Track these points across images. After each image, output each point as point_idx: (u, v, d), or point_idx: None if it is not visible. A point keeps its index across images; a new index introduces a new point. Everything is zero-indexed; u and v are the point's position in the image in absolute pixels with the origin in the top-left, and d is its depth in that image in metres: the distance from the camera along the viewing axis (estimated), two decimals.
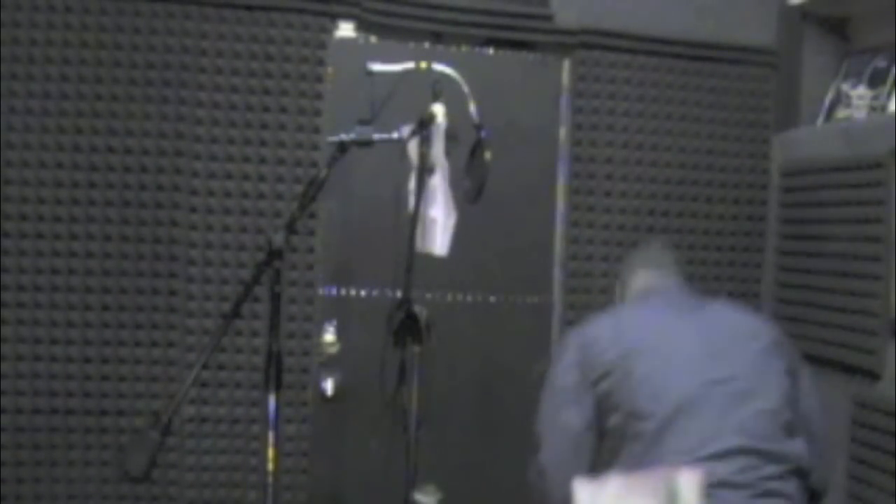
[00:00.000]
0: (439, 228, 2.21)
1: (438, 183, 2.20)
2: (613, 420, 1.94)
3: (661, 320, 2.07)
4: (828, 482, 2.07)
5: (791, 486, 1.87)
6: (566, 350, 2.09)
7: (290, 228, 2.06)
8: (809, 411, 2.05)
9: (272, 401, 1.99)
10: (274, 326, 2.01)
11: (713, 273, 3.19)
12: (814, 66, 3.18)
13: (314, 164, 2.85)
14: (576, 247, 3.11)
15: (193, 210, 2.78)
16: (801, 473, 1.90)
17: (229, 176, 2.81)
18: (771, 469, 1.84)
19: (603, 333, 2.04)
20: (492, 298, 3.10)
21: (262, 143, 2.83)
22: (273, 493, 2.00)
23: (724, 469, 1.81)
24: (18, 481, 2.67)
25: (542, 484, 2.01)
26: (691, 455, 1.81)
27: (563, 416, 2.02)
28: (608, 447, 1.96)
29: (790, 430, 1.92)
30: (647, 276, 2.26)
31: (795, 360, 2.10)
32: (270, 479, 2.00)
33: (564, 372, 2.05)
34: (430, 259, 2.23)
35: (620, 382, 1.94)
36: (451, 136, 2.21)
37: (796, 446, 1.91)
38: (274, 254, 2.00)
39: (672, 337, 2.01)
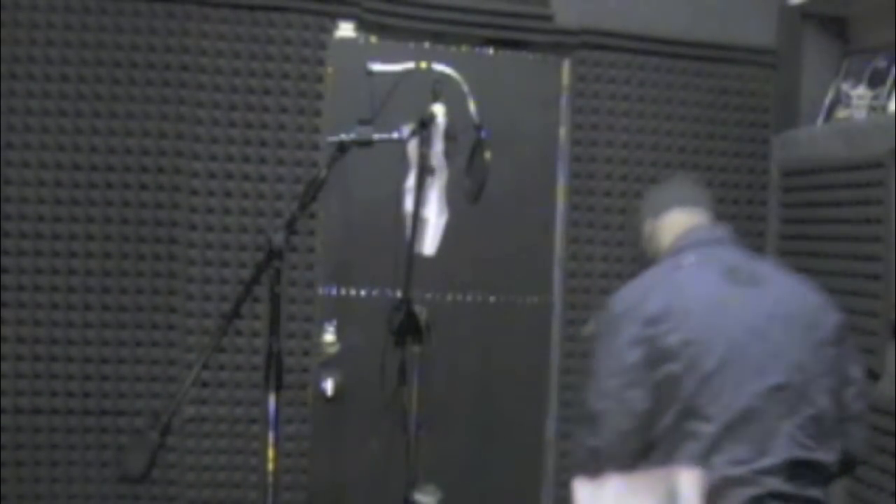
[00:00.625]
0: (429, 228, 2.21)
1: (432, 182, 2.20)
2: (670, 412, 1.83)
3: (722, 298, 1.89)
4: (867, 451, 2.11)
5: (824, 492, 1.88)
6: (623, 322, 1.88)
7: (290, 228, 2.06)
8: (856, 394, 2.01)
9: (272, 401, 1.99)
10: (274, 326, 2.01)
11: None
12: (814, 66, 3.18)
13: (314, 164, 2.85)
14: (576, 247, 3.11)
15: (193, 210, 2.79)
16: (830, 478, 1.92)
17: (229, 176, 2.81)
18: (812, 477, 1.85)
19: (664, 310, 1.85)
20: (492, 298, 3.10)
21: (262, 143, 2.83)
22: (273, 493, 2.00)
23: (775, 481, 1.80)
24: (18, 481, 2.67)
25: (593, 465, 1.85)
26: (747, 466, 1.79)
27: (628, 396, 1.84)
28: (662, 440, 1.84)
29: (832, 434, 1.91)
30: (687, 219, 2.09)
31: (847, 340, 2.00)
32: (270, 479, 2.00)
33: (628, 348, 1.85)
34: (431, 259, 2.23)
35: (683, 374, 1.82)
36: (451, 136, 2.21)
37: (832, 452, 1.90)
38: (274, 254, 2.00)
39: (736, 326, 1.86)
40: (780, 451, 1.81)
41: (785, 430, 1.82)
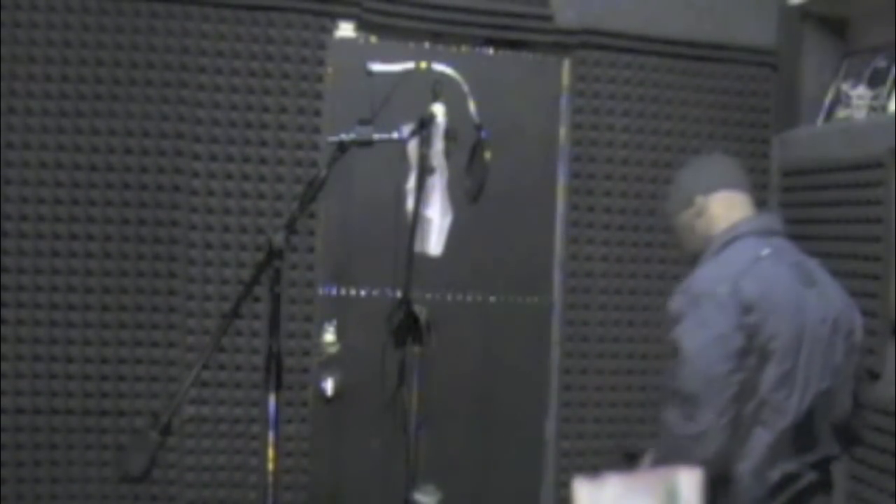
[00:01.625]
0: (434, 228, 2.21)
1: (435, 183, 2.20)
2: (750, 403, 1.88)
3: (798, 298, 1.94)
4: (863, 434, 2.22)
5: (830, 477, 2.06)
6: (724, 306, 1.86)
7: (290, 228, 2.05)
8: (863, 389, 2.16)
9: (272, 401, 1.99)
10: (274, 326, 2.00)
11: None
12: (814, 66, 3.18)
13: (314, 164, 2.85)
14: (576, 247, 3.11)
15: (193, 210, 2.79)
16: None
17: (229, 176, 2.81)
18: (829, 468, 2.04)
19: (758, 299, 1.87)
20: (492, 298, 3.10)
21: (262, 143, 2.83)
22: (273, 493, 2.00)
23: (813, 475, 1.96)
24: (18, 481, 2.67)
25: (696, 446, 1.82)
26: (800, 462, 1.93)
27: (733, 381, 1.84)
28: (737, 430, 1.89)
29: (846, 430, 2.07)
30: (738, 200, 2.10)
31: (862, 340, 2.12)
32: (270, 479, 1.99)
33: (732, 333, 1.84)
34: (431, 259, 2.22)
35: (765, 368, 1.87)
36: (451, 136, 2.20)
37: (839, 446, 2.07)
38: (274, 254, 1.99)
39: (807, 328, 1.93)
40: (822, 449, 1.96)
41: (825, 430, 1.96)
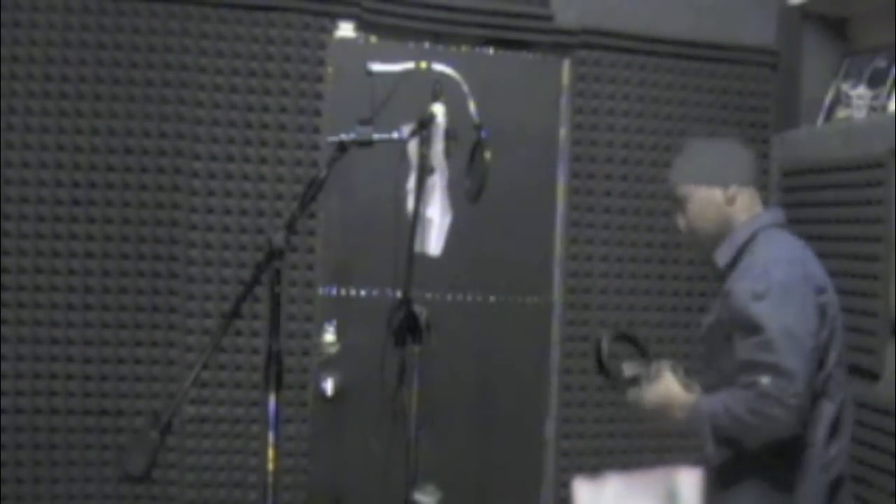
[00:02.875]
0: (434, 229, 2.21)
1: (435, 183, 2.20)
2: (822, 373, 1.98)
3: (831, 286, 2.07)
4: None
5: None
6: (806, 287, 1.96)
7: (290, 228, 2.05)
8: None
9: (272, 401, 1.99)
10: (274, 326, 2.00)
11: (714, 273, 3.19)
12: (814, 66, 3.18)
13: (314, 164, 2.85)
14: (576, 247, 3.11)
15: (193, 210, 2.79)
16: None
17: (229, 176, 2.81)
18: None
19: (825, 283, 2.02)
20: (492, 298, 3.10)
21: (262, 143, 2.83)
22: (273, 493, 2.00)
23: (845, 459, 2.11)
24: (18, 481, 2.67)
25: (790, 416, 1.87)
26: (841, 446, 2.05)
27: (815, 356, 1.94)
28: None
29: None
30: (757, 196, 2.17)
31: None
32: (270, 479, 1.99)
33: (813, 312, 1.95)
34: (431, 259, 2.22)
35: (831, 344, 2.00)
36: (451, 136, 2.21)
37: None
38: (274, 254, 1.99)
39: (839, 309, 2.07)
40: (846, 432, 2.06)
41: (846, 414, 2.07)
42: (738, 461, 1.99)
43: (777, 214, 2.17)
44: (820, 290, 1.98)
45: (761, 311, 1.89)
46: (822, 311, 1.97)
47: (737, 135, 3.13)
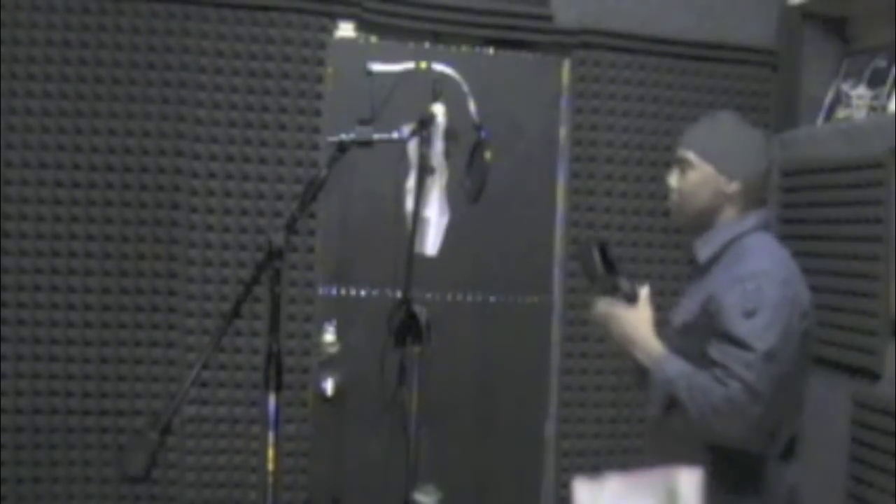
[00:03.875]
0: (431, 228, 2.21)
1: (434, 183, 2.20)
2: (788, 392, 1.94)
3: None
4: None
5: None
6: (788, 309, 1.88)
7: (290, 228, 2.05)
8: None
9: (272, 401, 1.99)
10: (274, 326, 2.01)
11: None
12: (814, 66, 3.18)
13: (314, 164, 2.85)
14: (576, 247, 3.11)
15: (193, 210, 2.79)
16: None
17: (229, 176, 2.81)
18: None
19: (808, 305, 1.94)
20: (492, 298, 3.10)
21: (262, 143, 2.83)
22: (273, 493, 2.00)
23: None
24: (18, 481, 2.67)
25: (749, 431, 1.85)
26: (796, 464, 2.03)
27: (787, 381, 1.88)
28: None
29: None
30: (752, 198, 2.06)
31: None
32: (270, 479, 1.99)
33: (795, 336, 1.89)
34: (431, 259, 2.22)
35: (799, 375, 1.98)
36: (451, 136, 2.21)
37: None
38: (274, 254, 1.99)
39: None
40: (800, 449, 2.04)
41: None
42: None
43: (766, 216, 2.07)
44: (804, 315, 1.92)
45: (748, 330, 1.83)
46: (804, 338, 1.92)
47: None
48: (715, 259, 2.03)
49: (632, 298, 2.04)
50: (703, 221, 2.06)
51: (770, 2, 3.21)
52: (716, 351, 1.86)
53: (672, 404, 1.90)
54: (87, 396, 2.72)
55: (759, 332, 1.83)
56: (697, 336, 1.94)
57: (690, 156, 2.05)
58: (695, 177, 2.04)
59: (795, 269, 1.97)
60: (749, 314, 1.84)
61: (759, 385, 1.80)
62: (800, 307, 1.91)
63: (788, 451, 1.98)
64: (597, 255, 2.06)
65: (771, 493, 1.95)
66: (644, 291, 2.06)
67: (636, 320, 2.02)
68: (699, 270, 2.08)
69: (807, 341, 1.94)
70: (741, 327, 1.83)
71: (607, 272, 2.07)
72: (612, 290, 2.06)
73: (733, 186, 2.02)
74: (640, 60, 3.14)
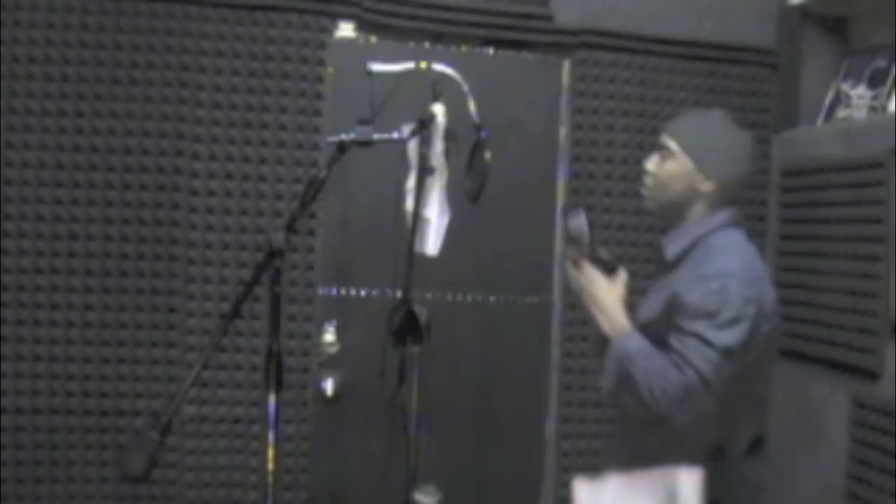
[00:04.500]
0: (432, 229, 2.21)
1: (434, 183, 2.20)
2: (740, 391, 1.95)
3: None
4: None
5: None
6: (750, 312, 1.87)
7: (290, 228, 2.06)
8: None
9: (272, 401, 1.99)
10: (274, 326, 2.01)
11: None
12: (814, 66, 3.18)
13: (314, 164, 2.85)
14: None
15: (193, 210, 2.79)
16: None
17: (229, 176, 2.81)
18: None
19: (771, 309, 1.95)
20: (492, 298, 3.10)
21: (262, 143, 2.83)
22: (273, 493, 2.00)
23: None
24: (18, 481, 2.67)
25: (693, 418, 1.86)
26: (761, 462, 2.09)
27: (736, 382, 1.90)
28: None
29: None
30: (724, 198, 2.06)
31: None
32: (270, 479, 2.00)
33: (753, 339, 1.89)
34: (431, 259, 2.23)
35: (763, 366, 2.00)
36: (451, 136, 2.21)
37: None
38: (274, 254, 1.99)
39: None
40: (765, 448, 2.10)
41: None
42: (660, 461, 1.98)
43: (735, 214, 2.07)
44: (768, 318, 1.93)
45: (709, 328, 1.84)
46: (767, 340, 1.93)
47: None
48: (683, 256, 2.03)
49: (611, 269, 2.06)
50: (672, 212, 2.07)
51: (770, 2, 3.21)
52: (676, 341, 1.88)
53: (625, 378, 1.90)
54: (87, 396, 2.72)
55: (721, 329, 1.84)
56: (661, 332, 1.94)
57: (673, 145, 2.05)
58: (673, 167, 2.04)
59: (762, 268, 1.98)
60: (711, 314, 1.85)
61: (714, 379, 1.82)
62: (763, 310, 1.90)
63: (751, 451, 1.99)
64: (585, 220, 2.06)
65: (733, 492, 1.94)
66: (623, 272, 2.07)
67: (610, 290, 2.02)
68: (666, 267, 2.08)
69: (769, 343, 1.95)
70: (702, 324, 1.85)
71: (592, 239, 2.07)
72: (593, 257, 2.06)
73: (708, 186, 2.01)
74: (640, 60, 3.14)
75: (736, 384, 1.87)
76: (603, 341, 2.01)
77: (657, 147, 2.10)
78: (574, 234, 2.07)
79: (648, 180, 2.09)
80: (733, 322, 1.85)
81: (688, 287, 1.91)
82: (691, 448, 1.87)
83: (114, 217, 2.73)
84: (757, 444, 2.02)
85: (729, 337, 1.84)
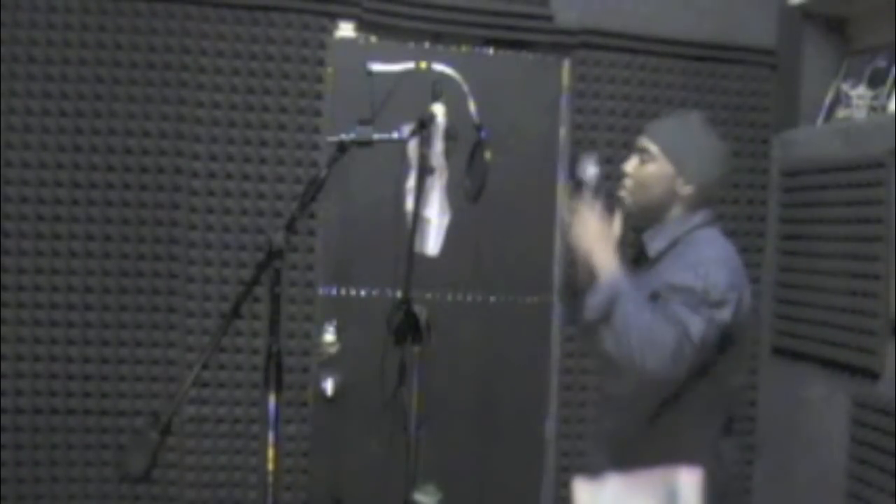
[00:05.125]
0: (432, 229, 2.21)
1: (434, 183, 2.20)
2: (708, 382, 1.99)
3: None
4: None
5: None
6: (728, 308, 1.90)
7: (290, 228, 2.06)
8: None
9: (272, 401, 1.99)
10: (274, 326, 2.01)
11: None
12: (814, 66, 3.18)
13: (314, 164, 2.85)
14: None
15: (193, 210, 2.79)
16: None
17: (229, 176, 2.81)
18: None
19: (748, 309, 1.98)
20: (492, 298, 3.10)
21: (262, 143, 2.83)
22: (273, 493, 2.00)
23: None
24: (18, 481, 2.67)
25: (672, 373, 1.88)
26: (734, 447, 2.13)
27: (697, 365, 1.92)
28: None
29: None
30: (700, 200, 2.07)
31: None
32: (270, 479, 2.00)
33: (727, 333, 1.92)
34: (431, 259, 2.23)
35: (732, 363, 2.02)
36: (451, 136, 2.21)
37: None
38: (274, 254, 2.00)
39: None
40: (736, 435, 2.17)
41: None
42: (640, 443, 2.00)
43: (710, 214, 2.09)
44: (746, 316, 1.98)
45: (699, 304, 1.87)
46: (741, 332, 1.97)
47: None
48: (665, 252, 2.06)
49: (612, 213, 2.08)
50: (651, 214, 2.09)
51: (770, 2, 3.21)
52: (665, 307, 1.90)
53: (606, 318, 1.88)
54: (87, 396, 2.72)
55: (709, 308, 1.88)
56: None
57: (654, 149, 2.06)
58: (653, 170, 2.06)
59: (741, 265, 2.02)
60: (700, 293, 1.88)
61: (697, 340, 1.85)
62: (741, 308, 1.95)
63: (726, 429, 2.05)
64: (597, 164, 2.08)
65: (708, 466, 1.93)
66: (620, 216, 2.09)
67: (609, 232, 2.02)
68: (646, 264, 2.09)
69: (743, 336, 2.00)
70: (692, 299, 1.88)
71: (601, 183, 2.08)
72: (599, 200, 2.07)
73: (687, 189, 2.04)
74: (640, 60, 3.14)
75: (714, 374, 1.94)
76: (590, 274, 1.97)
77: (636, 149, 2.12)
78: (586, 178, 2.08)
79: (627, 182, 2.11)
80: (719, 304, 1.89)
81: (674, 274, 1.95)
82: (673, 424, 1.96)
83: (114, 217, 2.73)
84: (730, 424, 2.07)
85: (717, 313, 1.88)
